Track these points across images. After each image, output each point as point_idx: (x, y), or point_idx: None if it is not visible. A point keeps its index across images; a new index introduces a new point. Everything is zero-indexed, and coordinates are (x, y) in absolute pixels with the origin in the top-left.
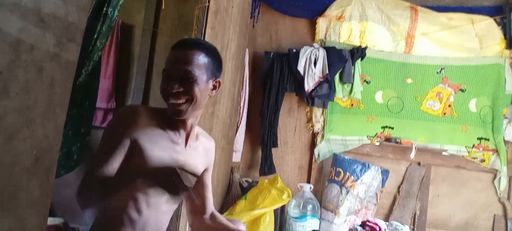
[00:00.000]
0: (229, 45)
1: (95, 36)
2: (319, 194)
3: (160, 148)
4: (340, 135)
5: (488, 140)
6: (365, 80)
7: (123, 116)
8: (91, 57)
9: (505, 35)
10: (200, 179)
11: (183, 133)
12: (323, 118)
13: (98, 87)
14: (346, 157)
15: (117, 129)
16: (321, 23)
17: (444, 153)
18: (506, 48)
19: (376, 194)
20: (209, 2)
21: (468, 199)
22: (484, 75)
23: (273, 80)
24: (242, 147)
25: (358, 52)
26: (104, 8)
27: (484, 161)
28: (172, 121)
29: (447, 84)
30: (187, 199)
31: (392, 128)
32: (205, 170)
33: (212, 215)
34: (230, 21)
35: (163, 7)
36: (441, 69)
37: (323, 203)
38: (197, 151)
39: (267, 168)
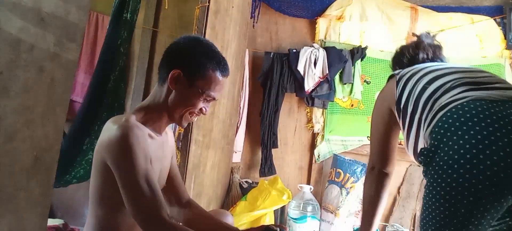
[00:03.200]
0: (229, 45)
1: (119, 42)
2: (319, 195)
3: (153, 157)
4: (340, 136)
5: None
6: (365, 81)
7: (136, 143)
8: (116, 62)
9: (505, 35)
10: (170, 167)
11: (160, 128)
12: (323, 118)
13: (126, 89)
14: (346, 158)
15: (141, 158)
16: (321, 23)
17: None
18: (506, 48)
19: None
20: (209, 2)
21: None
22: None
23: (273, 81)
24: (242, 148)
25: (358, 53)
26: (124, 14)
27: None
28: (154, 121)
29: None
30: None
31: None
32: (172, 156)
33: (190, 203)
34: (230, 21)
35: (166, 7)
36: None
37: (323, 204)
38: (167, 141)
39: (267, 168)
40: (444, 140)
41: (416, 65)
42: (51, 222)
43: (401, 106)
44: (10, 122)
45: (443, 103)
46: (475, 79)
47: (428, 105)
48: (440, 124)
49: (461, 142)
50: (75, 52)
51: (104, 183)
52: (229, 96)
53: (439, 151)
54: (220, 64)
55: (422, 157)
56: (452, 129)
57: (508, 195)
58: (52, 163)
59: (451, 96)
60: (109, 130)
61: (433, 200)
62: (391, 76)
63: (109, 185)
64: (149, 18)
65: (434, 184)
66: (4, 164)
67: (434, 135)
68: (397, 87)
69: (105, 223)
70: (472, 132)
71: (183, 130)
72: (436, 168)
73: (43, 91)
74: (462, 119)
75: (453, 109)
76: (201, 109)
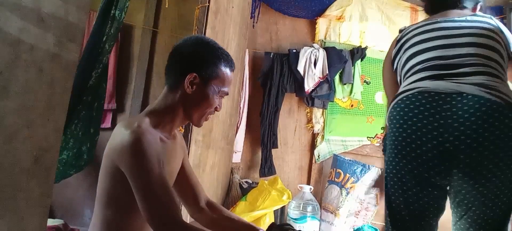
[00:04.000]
0: (229, 46)
1: (104, 39)
2: (319, 195)
3: (164, 160)
4: (340, 136)
5: None
6: (365, 81)
7: (149, 148)
8: (100, 59)
9: None
10: (183, 167)
11: (171, 131)
12: (323, 118)
13: (106, 88)
14: (346, 158)
15: (155, 163)
16: (321, 24)
17: None
18: None
19: (376, 195)
20: (209, 2)
21: None
22: None
23: (273, 81)
24: (242, 148)
25: (358, 53)
26: (112, 11)
27: None
28: (165, 124)
29: None
30: (178, 192)
31: None
32: (184, 157)
33: (210, 204)
34: (230, 21)
35: (167, 6)
36: None
37: (323, 204)
38: (177, 141)
39: (267, 169)
40: (388, 130)
41: (420, 23)
42: (51, 222)
43: (393, 69)
44: (10, 122)
45: (397, 93)
46: (447, 62)
47: (403, 81)
48: (389, 114)
49: (396, 134)
50: (75, 53)
51: (113, 186)
52: (229, 96)
53: (385, 141)
54: (228, 60)
55: (382, 143)
56: (394, 121)
57: (428, 188)
58: (52, 163)
59: (409, 84)
60: (121, 134)
61: (384, 188)
62: (400, 30)
63: (118, 188)
64: (149, 18)
65: (384, 173)
66: (4, 164)
67: (387, 124)
68: (395, 47)
69: (112, 225)
70: (405, 126)
71: (183, 129)
72: (385, 157)
73: (43, 92)
74: (401, 113)
75: (399, 102)
76: (216, 107)
